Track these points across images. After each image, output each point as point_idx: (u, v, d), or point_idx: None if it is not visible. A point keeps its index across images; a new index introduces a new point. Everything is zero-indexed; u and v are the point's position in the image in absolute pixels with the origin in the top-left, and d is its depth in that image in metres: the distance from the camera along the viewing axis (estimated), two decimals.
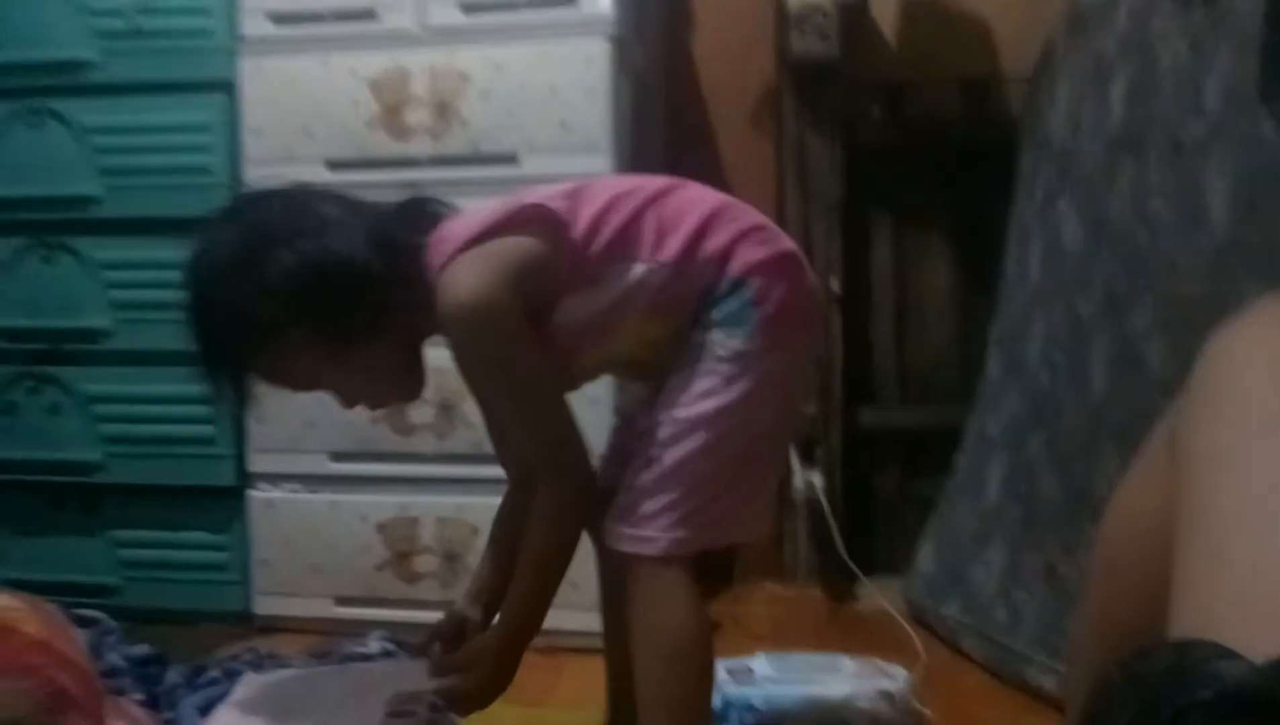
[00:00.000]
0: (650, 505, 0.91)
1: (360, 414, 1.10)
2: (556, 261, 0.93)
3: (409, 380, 1.02)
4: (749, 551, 1.90)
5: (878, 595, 1.67)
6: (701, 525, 0.91)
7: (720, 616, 1.69)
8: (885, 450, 2.00)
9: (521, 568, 0.97)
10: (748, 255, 0.94)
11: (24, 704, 0.77)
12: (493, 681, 0.98)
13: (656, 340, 0.98)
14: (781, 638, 1.45)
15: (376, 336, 0.95)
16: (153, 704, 1.18)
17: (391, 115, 1.60)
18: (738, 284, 0.93)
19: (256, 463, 1.67)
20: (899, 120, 1.98)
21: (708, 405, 0.91)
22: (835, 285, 1.88)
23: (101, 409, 1.71)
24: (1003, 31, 1.96)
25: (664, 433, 0.92)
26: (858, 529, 1.91)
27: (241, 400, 1.00)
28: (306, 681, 1.12)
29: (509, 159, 1.57)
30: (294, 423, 1.64)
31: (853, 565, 1.73)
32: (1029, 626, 1.34)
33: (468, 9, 1.58)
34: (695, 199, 0.98)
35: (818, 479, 1.80)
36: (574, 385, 1.06)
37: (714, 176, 1.93)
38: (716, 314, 0.93)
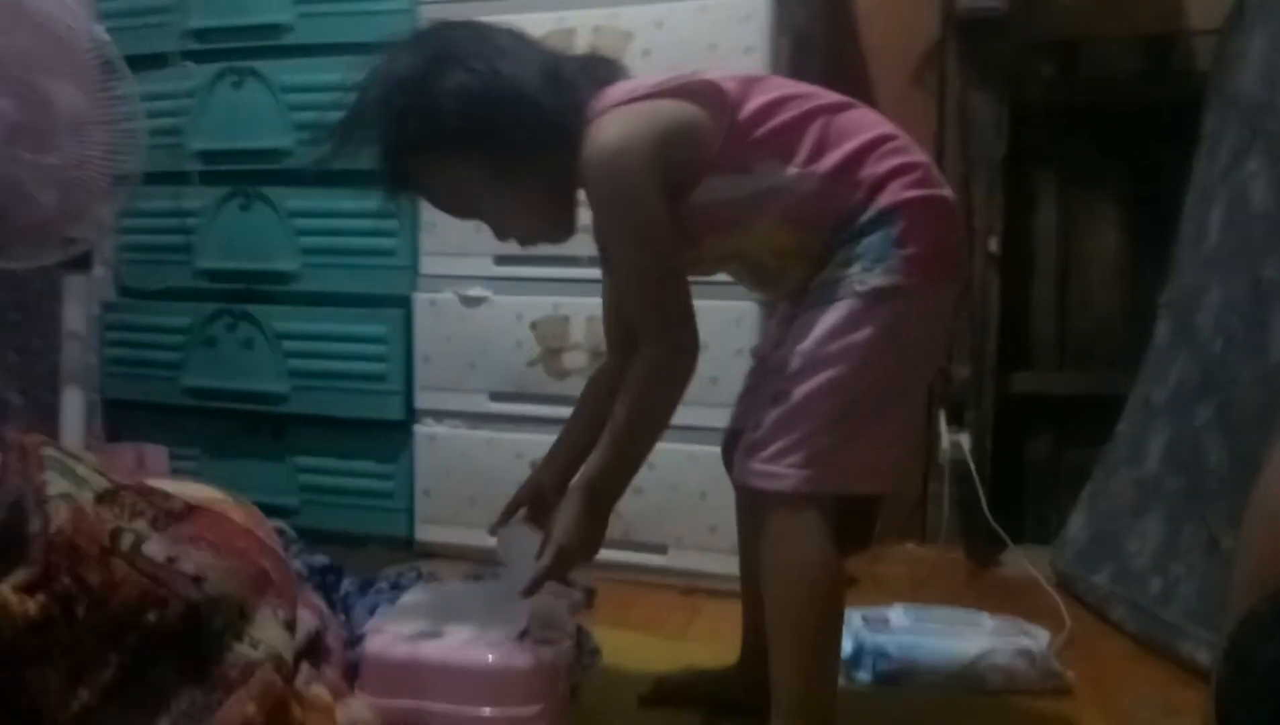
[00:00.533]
0: (778, 443, 0.91)
1: (512, 247, 1.09)
2: (711, 137, 0.94)
3: (561, 220, 1.02)
4: (890, 512, 1.89)
5: (1023, 560, 1.63)
6: (831, 467, 0.91)
7: (858, 573, 1.70)
8: (1039, 417, 1.94)
9: (612, 423, 0.96)
10: (900, 191, 0.92)
11: (233, 581, 0.87)
12: (583, 534, 0.96)
13: (784, 250, 0.98)
14: (920, 597, 1.44)
15: (535, 168, 0.96)
16: (329, 607, 1.30)
17: None
18: (883, 218, 0.92)
19: (423, 399, 1.78)
20: (1071, 78, 1.90)
21: (838, 343, 0.91)
22: (994, 245, 1.84)
23: (288, 345, 1.86)
24: None
25: (794, 367, 0.92)
26: (1006, 496, 1.87)
27: (404, 208, 1.04)
28: (463, 593, 1.20)
29: None
30: (458, 363, 1.74)
31: (999, 529, 1.70)
32: (1185, 599, 1.29)
33: None
34: (866, 121, 0.97)
35: (966, 442, 1.77)
36: (694, 269, 1.05)
37: None
38: (857, 248, 0.92)
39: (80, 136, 1.60)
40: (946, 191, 0.97)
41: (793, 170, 0.94)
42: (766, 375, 0.98)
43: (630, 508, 1.63)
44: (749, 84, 0.96)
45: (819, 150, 0.94)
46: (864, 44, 1.98)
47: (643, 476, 1.59)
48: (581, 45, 1.64)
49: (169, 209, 1.92)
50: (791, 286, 1.01)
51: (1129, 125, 1.89)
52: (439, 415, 1.78)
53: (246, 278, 1.89)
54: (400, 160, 0.97)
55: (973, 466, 1.75)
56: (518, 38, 1.00)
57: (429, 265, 1.77)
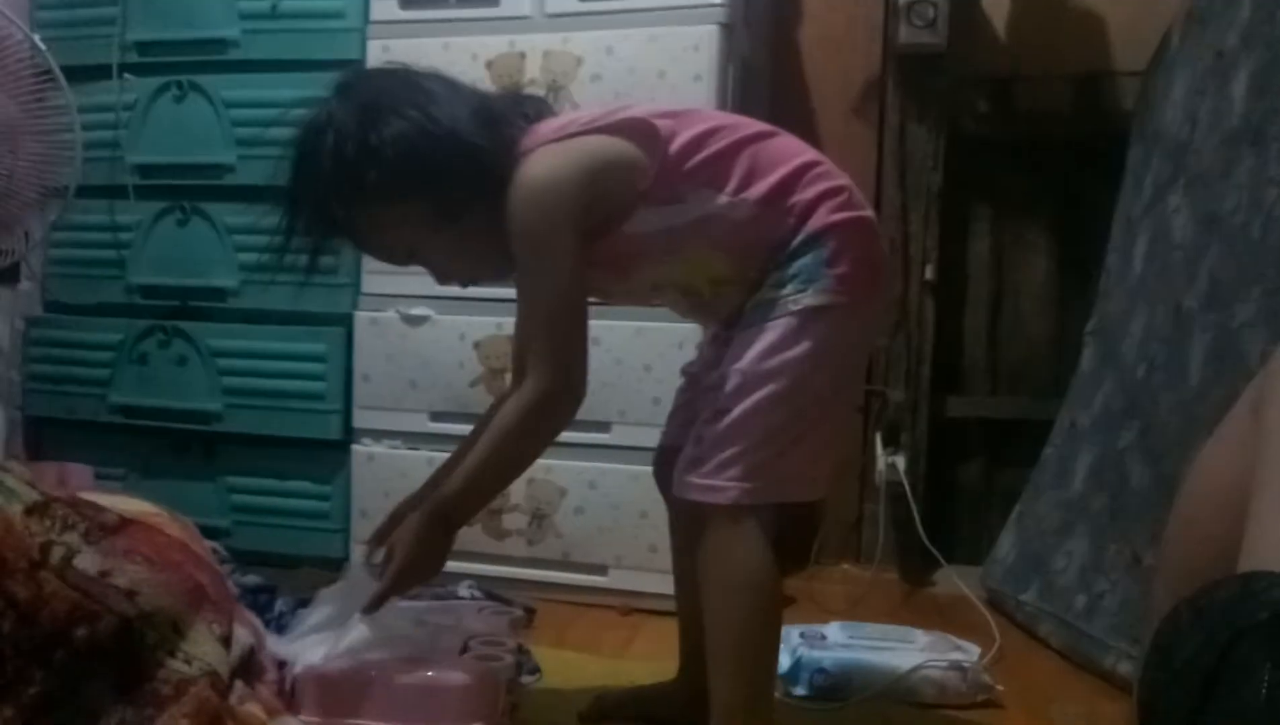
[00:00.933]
0: (718, 457, 0.93)
1: (453, 288, 1.10)
2: (643, 171, 0.96)
3: (500, 260, 1.01)
4: (828, 532, 1.93)
5: (955, 579, 1.67)
6: (769, 478, 0.94)
7: (796, 592, 1.72)
8: (971, 440, 1.99)
9: (475, 449, 0.96)
10: (828, 214, 0.96)
11: (167, 596, 0.85)
12: (422, 555, 0.96)
13: (719, 277, 1.00)
14: (856, 615, 1.47)
15: (472, 210, 0.96)
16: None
17: None
18: (814, 240, 0.95)
19: (361, 419, 1.77)
20: (1005, 114, 1.98)
21: (775, 360, 0.93)
22: (930, 273, 1.89)
23: (223, 363, 1.82)
24: (1116, 26, 1.94)
25: (732, 384, 0.94)
26: (939, 517, 1.91)
27: (314, 264, 1.01)
28: (401, 614, 1.19)
29: None
30: (398, 382, 1.73)
31: (933, 549, 1.74)
32: (1109, 614, 1.34)
33: None
34: (792, 148, 1.01)
35: (901, 463, 1.81)
36: (627, 297, 1.09)
37: None
38: (790, 269, 0.95)
39: (11, 146, 1.57)
40: (869, 212, 1.02)
41: (724, 198, 0.97)
42: (704, 393, 1.00)
43: (571, 528, 1.63)
44: (678, 117, 0.99)
45: (749, 178, 0.97)
46: (808, 76, 2.04)
47: (584, 496, 1.62)
48: (532, 70, 1.66)
49: (103, 223, 1.88)
50: (726, 313, 1.03)
51: (1060, 159, 1.97)
52: (377, 435, 1.76)
53: (182, 294, 1.86)
54: (335, 209, 0.97)
55: (907, 488, 1.79)
56: (446, 82, 1.01)
57: (371, 283, 1.75)
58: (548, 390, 0.93)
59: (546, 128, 0.99)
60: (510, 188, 0.94)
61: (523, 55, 1.66)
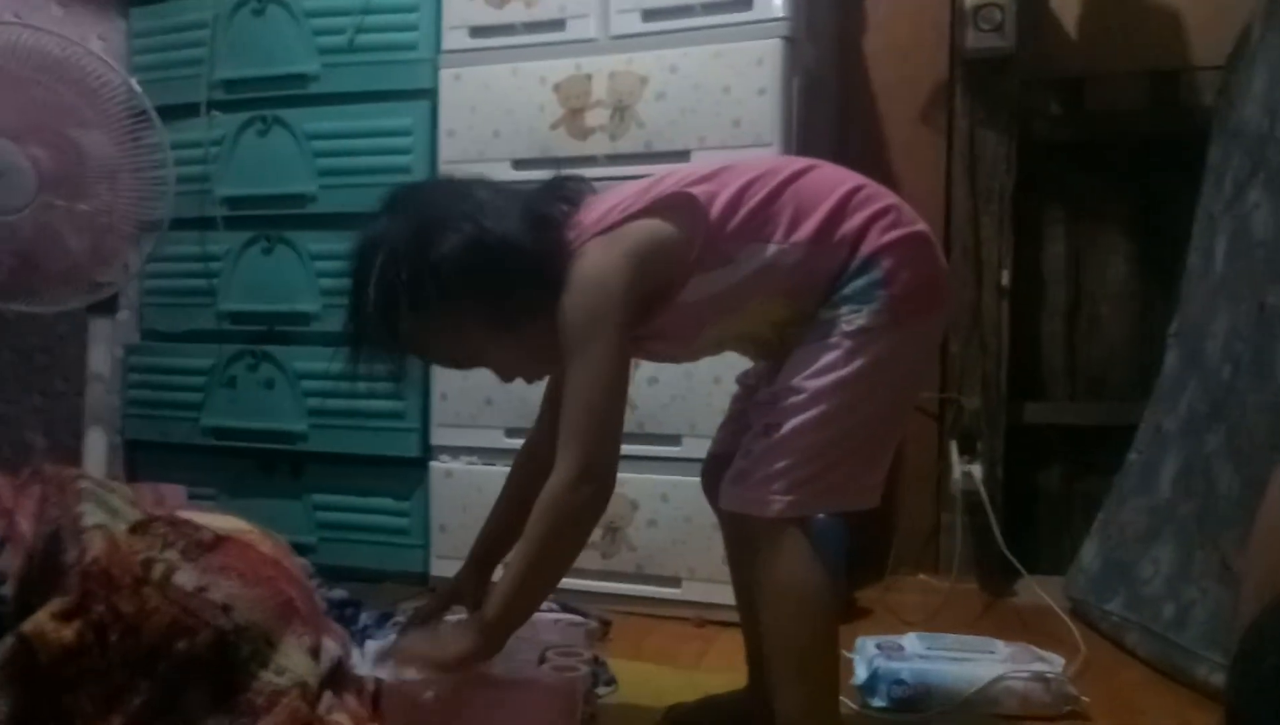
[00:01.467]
0: (765, 470, 0.94)
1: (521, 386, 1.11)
2: (688, 246, 0.97)
3: (559, 358, 1.02)
4: (903, 543, 1.90)
5: (1036, 589, 1.64)
6: (814, 493, 0.95)
7: (871, 603, 1.71)
8: (1051, 447, 1.95)
9: (515, 559, 0.96)
10: (879, 237, 0.97)
11: (260, 610, 0.89)
12: (460, 662, 0.95)
13: (782, 321, 1.01)
14: (934, 626, 1.45)
15: (532, 311, 0.97)
16: None
17: (573, 117, 1.71)
18: (868, 264, 0.96)
19: (439, 436, 1.81)
20: (1078, 114, 1.94)
21: (828, 379, 0.94)
22: (1005, 278, 1.86)
23: (308, 385, 1.89)
24: (1192, 21, 1.88)
25: (784, 402, 0.95)
26: (1019, 526, 1.88)
27: (400, 378, 1.04)
28: None
29: (681, 155, 1.64)
30: (474, 400, 1.77)
31: (1012, 558, 1.70)
32: (1199, 624, 1.30)
33: (648, 16, 1.66)
34: (833, 179, 1.01)
35: (978, 472, 1.78)
36: (695, 357, 1.10)
37: (882, 170, 1.96)
38: (845, 291, 0.96)
39: (111, 184, 1.66)
40: (921, 226, 1.01)
41: (773, 247, 0.98)
42: (755, 407, 1.01)
43: (644, 541, 1.64)
44: (715, 178, 1.00)
45: (795, 221, 0.98)
46: (874, 84, 2.03)
47: (656, 509, 1.63)
48: (598, 91, 1.69)
49: (194, 253, 1.97)
50: (794, 346, 1.03)
51: (1136, 159, 1.92)
52: (455, 451, 1.80)
53: (268, 319, 1.94)
54: (398, 326, 0.98)
55: (985, 497, 1.76)
56: (490, 187, 1.04)
57: None
58: (571, 487, 0.92)
59: (589, 218, 1.00)
60: (565, 287, 0.96)
61: (589, 77, 1.69)
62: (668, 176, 1.02)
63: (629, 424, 1.64)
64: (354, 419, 1.86)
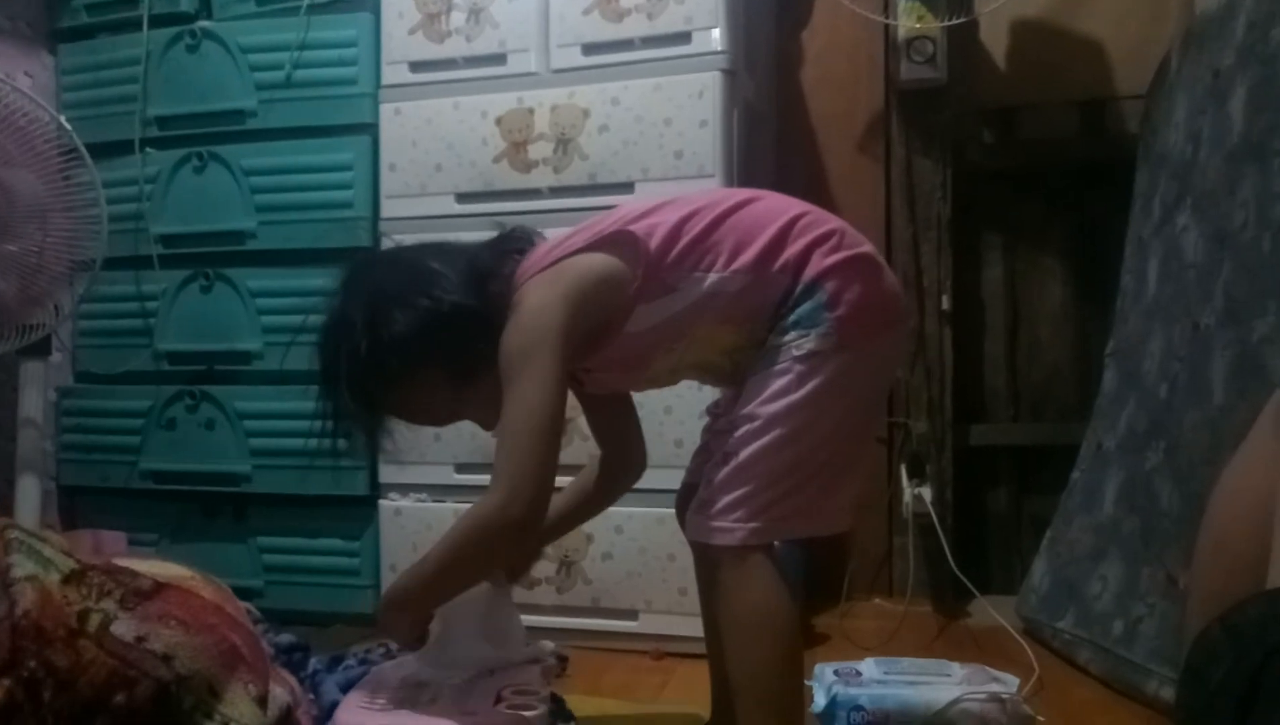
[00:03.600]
0: (726, 499, 0.95)
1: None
2: (629, 278, 0.99)
3: None
4: (857, 567, 1.91)
5: (989, 610, 1.65)
6: (776, 518, 0.95)
7: (828, 629, 1.71)
8: (998, 467, 1.98)
9: (432, 550, 1.00)
10: (821, 261, 0.98)
11: (203, 658, 0.86)
12: (387, 634, 1.06)
13: (731, 348, 1.03)
14: (891, 650, 1.45)
15: (490, 361, 0.99)
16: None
17: (516, 150, 1.71)
18: (812, 288, 0.97)
19: (387, 474, 1.78)
20: (1010, 142, 2.00)
21: (780, 403, 0.95)
22: (945, 302, 1.90)
23: (250, 424, 1.85)
24: (1115, 52, 1.96)
25: (740, 430, 0.96)
26: (970, 547, 1.90)
27: (376, 442, 1.11)
28: (431, 665, 1.19)
29: (625, 187, 1.65)
30: (423, 436, 1.74)
31: (965, 580, 1.72)
32: (1148, 639, 1.32)
33: (588, 50, 1.68)
34: (773, 210, 1.02)
35: (927, 495, 1.80)
36: (649, 386, 1.12)
37: (823, 200, 1.98)
38: (791, 317, 0.97)
39: (41, 224, 1.61)
40: (867, 247, 1.02)
41: (714, 276, 0.99)
42: (716, 437, 1.03)
43: (599, 574, 1.63)
44: (656, 211, 1.03)
45: (736, 250, 0.99)
46: (812, 115, 2.07)
47: (611, 541, 1.62)
48: (541, 124, 1.69)
49: (129, 293, 1.93)
50: (747, 372, 1.05)
51: (1068, 185, 1.98)
52: (404, 489, 1.77)
53: (208, 359, 1.89)
54: (369, 397, 1.03)
55: (935, 519, 1.78)
56: (436, 251, 1.07)
57: None
58: (494, 510, 0.93)
59: (535, 257, 1.04)
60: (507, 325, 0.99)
61: (531, 111, 1.69)
62: (609, 215, 1.04)
63: (581, 455, 1.64)
64: (299, 458, 1.82)
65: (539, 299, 0.98)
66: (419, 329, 0.99)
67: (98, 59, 1.95)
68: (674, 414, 1.59)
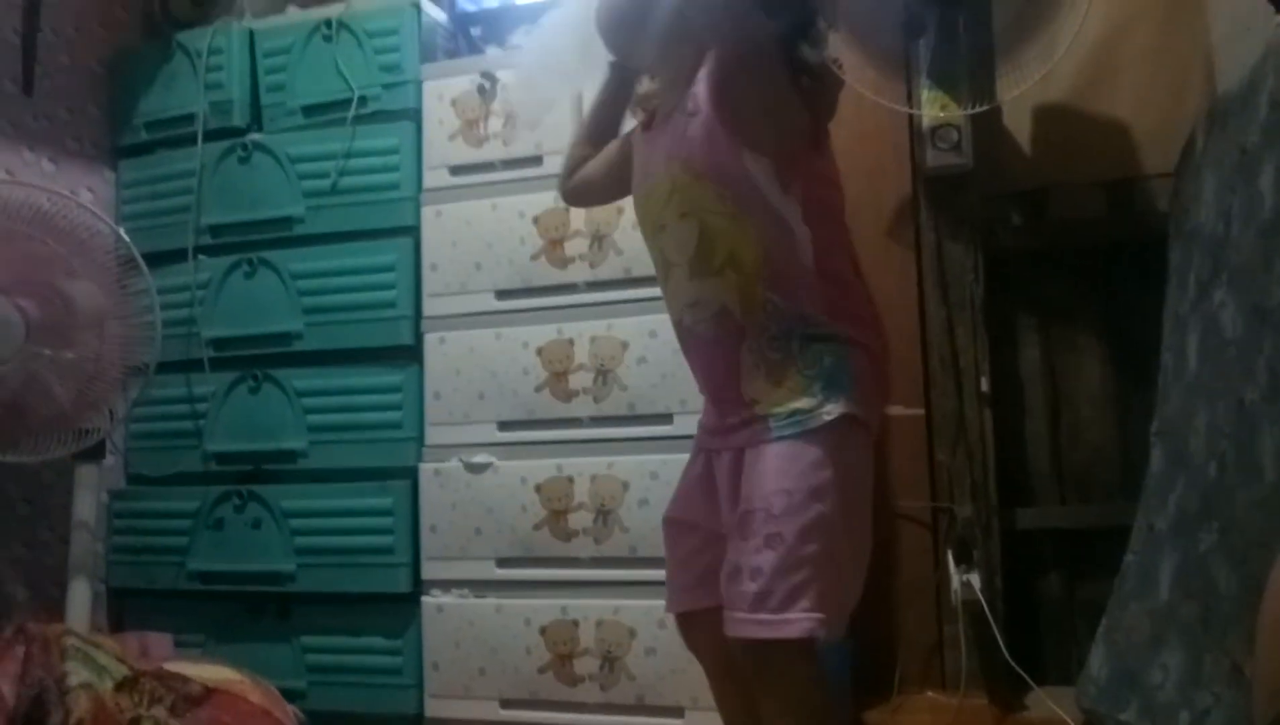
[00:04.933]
0: (786, 585, 0.92)
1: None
2: (808, 126, 1.08)
3: None
4: (908, 658, 1.86)
5: (1048, 702, 1.60)
6: (836, 604, 0.94)
7: None
8: (1047, 552, 1.94)
9: None
10: (858, 312, 1.03)
11: None
12: None
13: (752, 272, 1.02)
14: None
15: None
16: None
17: (553, 247, 1.76)
18: (843, 339, 0.99)
19: (429, 570, 1.79)
20: (1040, 223, 2.00)
21: (818, 476, 0.94)
22: (984, 385, 1.88)
23: (295, 523, 1.87)
24: (1141, 131, 1.97)
25: (781, 506, 0.94)
26: (1022, 635, 1.84)
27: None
28: None
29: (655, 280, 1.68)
30: (464, 531, 1.75)
31: (1020, 671, 1.67)
32: None
33: None
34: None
35: (976, 581, 1.76)
36: (647, 197, 1.14)
37: None
38: (814, 367, 0.98)
39: (99, 331, 1.68)
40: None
41: (794, 202, 1.03)
42: (743, 519, 0.98)
43: (643, 670, 1.61)
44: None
45: (834, 233, 1.06)
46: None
47: (654, 636, 1.60)
48: (576, 221, 1.74)
49: (180, 396, 1.98)
50: (709, 296, 1.05)
51: (1101, 263, 1.98)
52: (446, 585, 1.77)
53: (255, 458, 1.93)
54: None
55: (986, 607, 1.73)
56: None
57: (434, 435, 1.81)
58: None
59: None
60: None
61: (567, 210, 1.74)
62: None
63: (623, 548, 1.65)
64: (343, 556, 1.84)
65: None
66: None
67: (155, 172, 2.05)
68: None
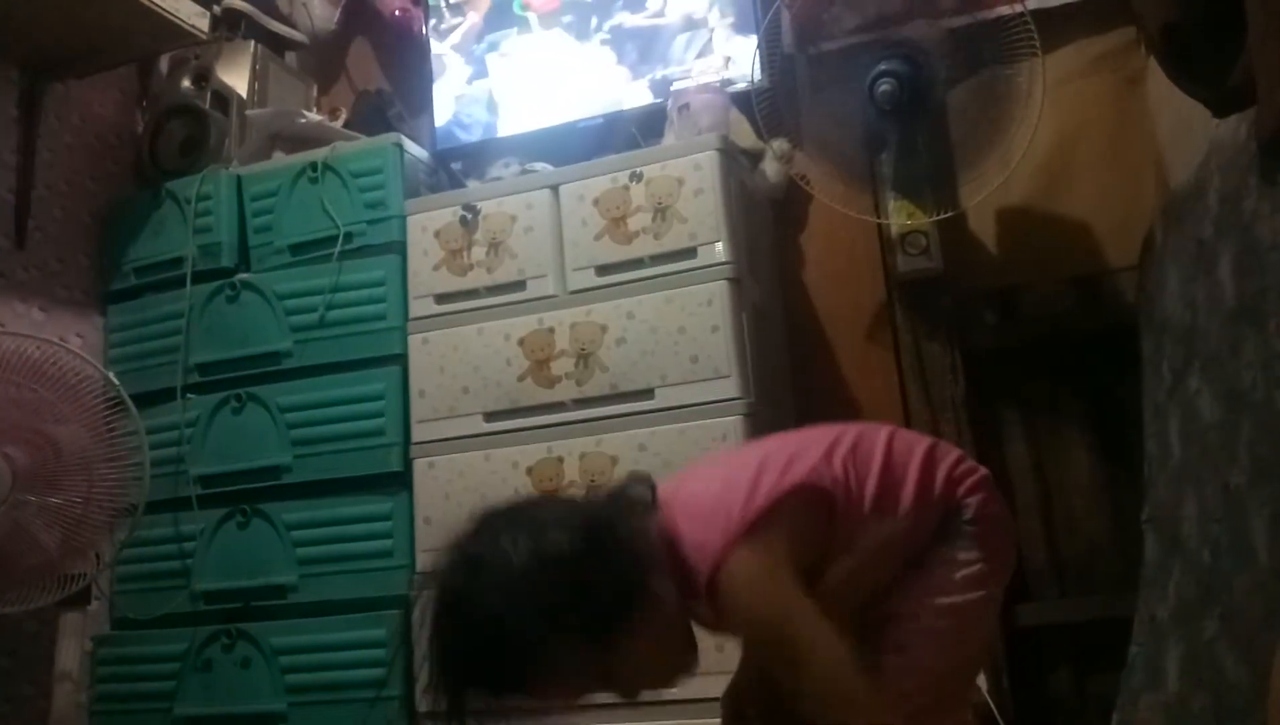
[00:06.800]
0: (892, 690, 0.99)
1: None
2: (821, 535, 1.03)
3: (683, 653, 1.01)
4: None
5: None
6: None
7: None
8: (1053, 648, 1.91)
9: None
10: (967, 480, 1.09)
11: None
12: None
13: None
14: None
15: (635, 623, 0.94)
16: None
17: (539, 367, 1.78)
18: (962, 507, 1.07)
19: (423, 703, 1.73)
20: (1013, 321, 2.05)
21: (948, 600, 1.04)
22: None
23: (285, 660, 1.82)
24: (1102, 228, 2.05)
25: (907, 622, 1.03)
26: None
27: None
28: None
29: (645, 394, 1.70)
30: None
31: None
32: None
33: (601, 271, 1.78)
34: (908, 444, 1.11)
35: (983, 682, 1.72)
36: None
37: (839, 388, 2.03)
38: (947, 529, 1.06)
39: (86, 475, 1.67)
40: (983, 469, 1.15)
41: (889, 522, 1.06)
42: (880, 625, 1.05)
43: None
44: (802, 458, 1.05)
45: (898, 492, 1.07)
46: (819, 312, 2.15)
47: None
48: (561, 342, 1.76)
49: (167, 535, 1.95)
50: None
51: (1077, 356, 2.02)
52: (437, 717, 1.72)
53: (244, 595, 1.89)
54: (503, 681, 0.95)
55: (994, 708, 1.70)
56: (552, 505, 1.12)
57: (426, 563, 1.78)
58: None
59: (702, 518, 1.00)
60: (728, 612, 0.98)
61: (551, 330, 1.77)
62: (760, 457, 1.04)
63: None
64: (335, 693, 1.79)
65: (766, 601, 0.96)
66: (549, 585, 0.91)
67: (144, 316, 2.07)
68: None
